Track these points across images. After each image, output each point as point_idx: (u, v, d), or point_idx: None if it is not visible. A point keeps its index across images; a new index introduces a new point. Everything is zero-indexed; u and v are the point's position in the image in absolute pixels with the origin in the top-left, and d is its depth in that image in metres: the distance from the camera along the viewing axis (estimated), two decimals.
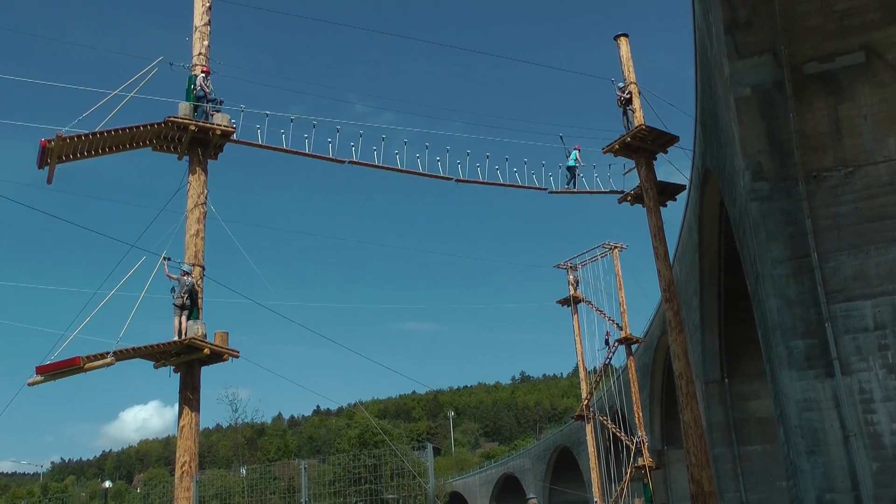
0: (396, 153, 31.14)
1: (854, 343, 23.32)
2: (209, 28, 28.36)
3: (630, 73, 36.33)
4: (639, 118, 35.11)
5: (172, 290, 24.72)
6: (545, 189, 35.17)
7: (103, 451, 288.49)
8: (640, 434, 66.62)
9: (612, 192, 37.40)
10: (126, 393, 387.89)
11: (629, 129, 35.22)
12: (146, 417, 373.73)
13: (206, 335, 24.71)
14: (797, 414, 23.44)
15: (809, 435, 23.20)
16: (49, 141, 23.69)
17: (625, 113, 35.92)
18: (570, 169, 37.16)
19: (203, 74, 27.12)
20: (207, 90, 26.92)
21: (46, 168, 24.39)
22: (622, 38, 36.87)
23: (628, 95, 35.87)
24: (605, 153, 35.96)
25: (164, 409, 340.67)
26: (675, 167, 38.45)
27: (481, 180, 33.36)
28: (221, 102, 27.25)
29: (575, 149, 36.89)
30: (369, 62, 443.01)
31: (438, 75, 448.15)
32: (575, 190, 36.57)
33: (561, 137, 36.55)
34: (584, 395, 71.91)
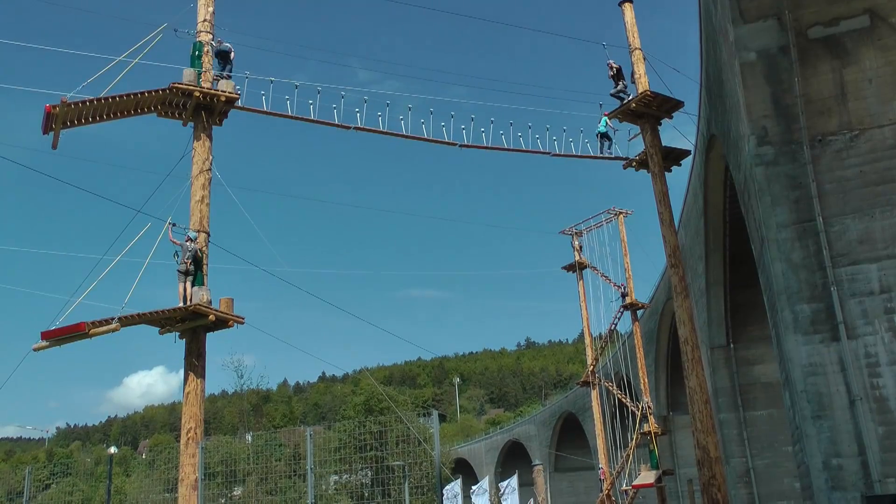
0: (401, 119, 31.07)
1: (860, 307, 23.30)
2: None
3: (635, 39, 36.10)
4: (644, 84, 34.92)
5: (175, 255, 24.75)
6: (549, 153, 35.08)
7: (109, 417, 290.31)
8: (645, 400, 66.74)
9: (617, 157, 37.30)
10: (131, 359, 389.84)
11: (620, 100, 35.12)
12: (151, 383, 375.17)
13: (211, 301, 24.76)
14: (803, 378, 23.46)
15: (815, 399, 23.22)
16: (54, 106, 23.67)
17: (616, 85, 35.77)
18: (602, 136, 37.13)
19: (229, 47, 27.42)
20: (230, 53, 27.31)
21: (51, 133, 24.39)
22: (627, 4, 36.61)
23: (619, 65, 35.76)
24: (610, 118, 35.86)
25: (169, 375, 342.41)
26: (680, 132, 38.34)
27: (485, 145, 33.29)
28: (222, 69, 27.34)
29: (604, 115, 36.68)
30: (371, 30, 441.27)
31: (441, 41, 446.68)
32: (579, 154, 36.40)
33: (600, 105, 36.39)
34: (589, 361, 71.95)
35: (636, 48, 35.89)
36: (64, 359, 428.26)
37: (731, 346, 48.45)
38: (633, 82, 35.36)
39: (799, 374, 23.56)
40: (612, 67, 35.86)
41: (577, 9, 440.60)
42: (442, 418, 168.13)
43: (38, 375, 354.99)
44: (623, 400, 69.58)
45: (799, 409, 23.70)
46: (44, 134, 24.47)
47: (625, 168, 37.00)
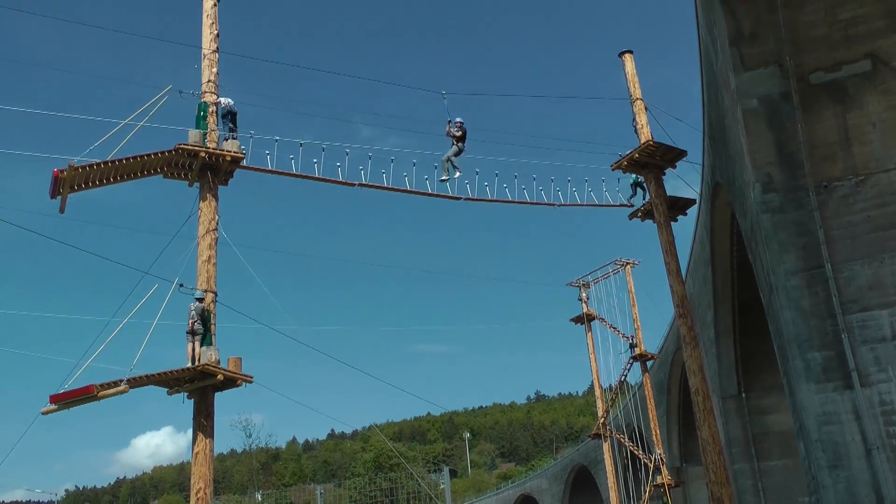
0: (405, 175, 31.12)
1: (872, 353, 23.08)
2: (217, 55, 28.47)
3: (636, 89, 36.25)
4: (646, 134, 35.01)
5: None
6: (553, 203, 35.07)
7: (118, 479, 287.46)
8: (658, 451, 66.30)
9: (622, 205, 37.38)
10: (138, 419, 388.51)
11: (451, 169, 31.84)
12: (159, 444, 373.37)
13: (219, 361, 24.65)
14: (817, 427, 23.21)
15: (830, 449, 22.94)
16: (62, 171, 23.77)
17: (452, 145, 32.05)
18: (637, 185, 37.28)
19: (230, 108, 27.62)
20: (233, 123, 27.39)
21: (59, 198, 24.48)
22: (627, 55, 36.81)
23: (458, 132, 32.12)
24: (613, 170, 35.88)
25: (178, 435, 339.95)
26: (684, 181, 38.38)
27: (489, 198, 33.29)
28: (232, 129, 27.48)
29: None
30: (372, 88, 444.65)
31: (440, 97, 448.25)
32: (583, 203, 36.36)
33: (620, 155, 36.24)
34: (600, 413, 71.66)
35: (637, 98, 36.02)
36: (72, 421, 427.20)
37: (743, 395, 48.04)
38: (636, 132, 35.46)
39: (813, 423, 23.32)
40: (451, 123, 32.42)
41: (580, 60, 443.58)
42: (453, 473, 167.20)
43: (46, 438, 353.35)
44: (635, 452, 69.18)
45: (814, 458, 23.43)
46: (52, 198, 24.56)
47: (630, 219, 37.11)
